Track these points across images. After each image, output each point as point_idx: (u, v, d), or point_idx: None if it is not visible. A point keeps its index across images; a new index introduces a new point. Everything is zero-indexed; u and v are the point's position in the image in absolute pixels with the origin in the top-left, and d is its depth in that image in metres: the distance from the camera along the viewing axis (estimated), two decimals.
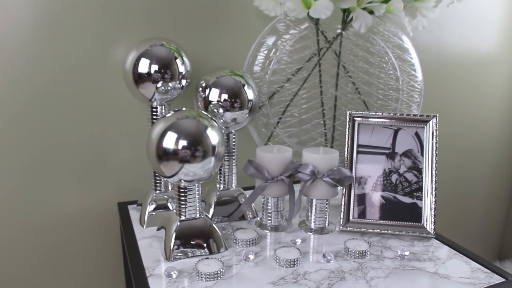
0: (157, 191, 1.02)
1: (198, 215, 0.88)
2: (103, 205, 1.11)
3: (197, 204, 0.88)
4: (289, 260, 0.82)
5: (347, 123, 0.99)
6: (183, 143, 0.80)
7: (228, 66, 1.03)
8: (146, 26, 1.06)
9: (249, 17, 1.12)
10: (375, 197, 0.97)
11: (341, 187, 0.96)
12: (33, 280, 1.10)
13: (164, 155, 0.80)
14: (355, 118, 0.99)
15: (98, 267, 1.15)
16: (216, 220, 1.01)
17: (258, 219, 1.01)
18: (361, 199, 0.97)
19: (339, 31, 1.03)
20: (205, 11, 1.09)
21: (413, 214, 0.95)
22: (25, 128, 1.02)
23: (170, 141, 0.79)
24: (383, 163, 0.98)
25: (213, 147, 0.82)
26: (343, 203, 0.96)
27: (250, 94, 0.98)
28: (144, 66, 0.92)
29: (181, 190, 0.86)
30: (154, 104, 0.97)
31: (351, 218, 0.96)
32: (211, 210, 1.01)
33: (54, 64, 1.01)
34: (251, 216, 1.04)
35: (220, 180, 1.03)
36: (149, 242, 0.92)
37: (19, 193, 1.05)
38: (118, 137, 1.10)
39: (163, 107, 0.97)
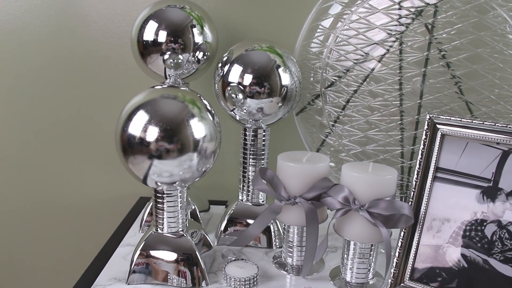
0: None
1: (180, 231, 0.66)
2: (128, 196, 0.96)
3: (181, 216, 0.66)
4: None
5: (424, 132, 0.64)
6: (154, 130, 0.58)
7: (274, 40, 0.77)
8: None
9: None
10: (452, 255, 0.60)
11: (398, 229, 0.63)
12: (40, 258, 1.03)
13: (129, 145, 0.59)
14: (437, 125, 0.64)
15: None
16: (225, 239, 0.77)
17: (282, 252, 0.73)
18: (429, 253, 0.62)
19: None
20: None
21: None
22: (59, 109, 0.94)
23: (137, 126, 0.59)
24: (474, 203, 0.60)
25: (195, 141, 0.59)
26: (397, 253, 0.63)
27: (285, 78, 0.71)
28: (150, 31, 0.72)
29: (158, 194, 0.65)
30: (168, 81, 0.77)
31: (406, 279, 0.62)
32: (223, 225, 0.77)
33: (83, 46, 0.91)
34: (278, 244, 0.77)
35: (243, 189, 0.78)
36: (129, 252, 0.73)
37: (48, 172, 0.97)
38: None
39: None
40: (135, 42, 0.74)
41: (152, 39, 0.72)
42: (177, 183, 0.62)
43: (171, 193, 0.64)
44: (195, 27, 0.74)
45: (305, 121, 0.81)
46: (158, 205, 0.65)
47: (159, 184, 0.63)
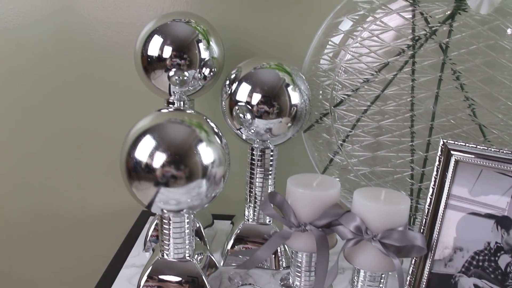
0: None
1: (186, 257, 0.65)
2: (130, 209, 0.94)
3: (188, 241, 0.64)
4: None
5: (437, 158, 0.62)
6: (161, 157, 0.56)
7: (283, 56, 0.75)
8: (185, 0, 0.84)
9: None
10: (465, 285, 0.59)
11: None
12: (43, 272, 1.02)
13: (135, 171, 0.57)
14: (452, 152, 0.62)
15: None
16: (232, 261, 0.75)
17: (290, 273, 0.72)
18: (441, 282, 0.61)
19: (448, 12, 0.66)
20: None
21: None
22: (60, 120, 0.92)
23: (144, 152, 0.57)
24: (488, 233, 0.59)
25: (204, 168, 0.57)
26: (407, 281, 0.62)
27: (295, 97, 0.69)
28: (155, 46, 0.70)
29: (164, 221, 0.63)
30: (172, 98, 0.75)
31: None
32: (229, 244, 0.76)
33: (84, 54, 0.88)
34: (285, 264, 0.76)
35: (249, 207, 0.77)
36: (133, 274, 0.71)
37: (48, 184, 0.95)
38: None
39: (183, 102, 0.75)
40: (139, 56, 0.71)
41: (156, 55, 0.70)
42: (184, 210, 0.61)
43: (179, 220, 0.63)
44: (201, 42, 0.71)
45: (313, 138, 0.80)
46: (164, 230, 0.63)
47: (165, 211, 0.61)
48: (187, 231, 0.64)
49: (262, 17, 0.84)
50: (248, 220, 0.77)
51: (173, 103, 0.74)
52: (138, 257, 0.76)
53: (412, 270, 0.62)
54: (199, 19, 0.73)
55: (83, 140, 0.92)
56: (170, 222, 0.62)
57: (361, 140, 0.74)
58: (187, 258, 0.64)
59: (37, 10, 0.85)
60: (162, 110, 0.61)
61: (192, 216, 0.64)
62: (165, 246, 0.64)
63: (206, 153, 0.58)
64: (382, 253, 0.59)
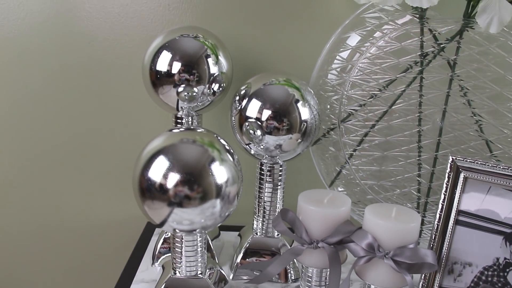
0: None
1: (198, 274, 0.65)
2: (135, 220, 0.94)
3: (200, 259, 0.65)
4: None
5: (447, 175, 0.63)
6: (174, 177, 0.56)
7: (290, 69, 0.75)
8: (190, 12, 0.84)
9: (332, 4, 0.81)
10: None
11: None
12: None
13: (148, 191, 0.57)
14: (460, 169, 0.63)
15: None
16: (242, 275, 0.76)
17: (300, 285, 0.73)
18: None
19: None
20: None
21: None
22: (63, 129, 0.91)
23: (157, 172, 0.57)
24: (496, 248, 0.61)
25: (218, 187, 0.58)
26: None
27: (304, 113, 0.69)
28: (163, 62, 0.70)
29: (176, 239, 0.63)
30: (180, 113, 0.74)
31: None
32: (239, 258, 0.76)
33: (88, 66, 0.87)
34: (293, 276, 0.76)
35: (258, 220, 0.77)
36: None
37: (52, 194, 0.95)
38: None
39: (191, 118, 0.75)
40: (147, 71, 0.71)
41: (165, 70, 0.69)
42: (197, 230, 0.61)
43: (191, 239, 0.63)
44: (209, 57, 0.71)
45: (320, 151, 0.80)
46: (176, 248, 0.63)
47: (177, 231, 0.61)
48: (199, 249, 0.64)
49: (269, 30, 0.84)
50: (257, 233, 0.77)
51: (181, 118, 0.74)
52: (147, 271, 0.76)
53: (422, 285, 0.63)
54: (207, 34, 0.73)
55: (86, 149, 0.92)
56: (183, 241, 0.63)
57: (368, 154, 0.74)
58: (199, 275, 0.65)
59: (39, 20, 0.84)
60: (174, 130, 0.61)
61: (204, 235, 0.64)
62: (177, 264, 0.64)
63: (220, 172, 0.58)
64: (393, 270, 0.60)
